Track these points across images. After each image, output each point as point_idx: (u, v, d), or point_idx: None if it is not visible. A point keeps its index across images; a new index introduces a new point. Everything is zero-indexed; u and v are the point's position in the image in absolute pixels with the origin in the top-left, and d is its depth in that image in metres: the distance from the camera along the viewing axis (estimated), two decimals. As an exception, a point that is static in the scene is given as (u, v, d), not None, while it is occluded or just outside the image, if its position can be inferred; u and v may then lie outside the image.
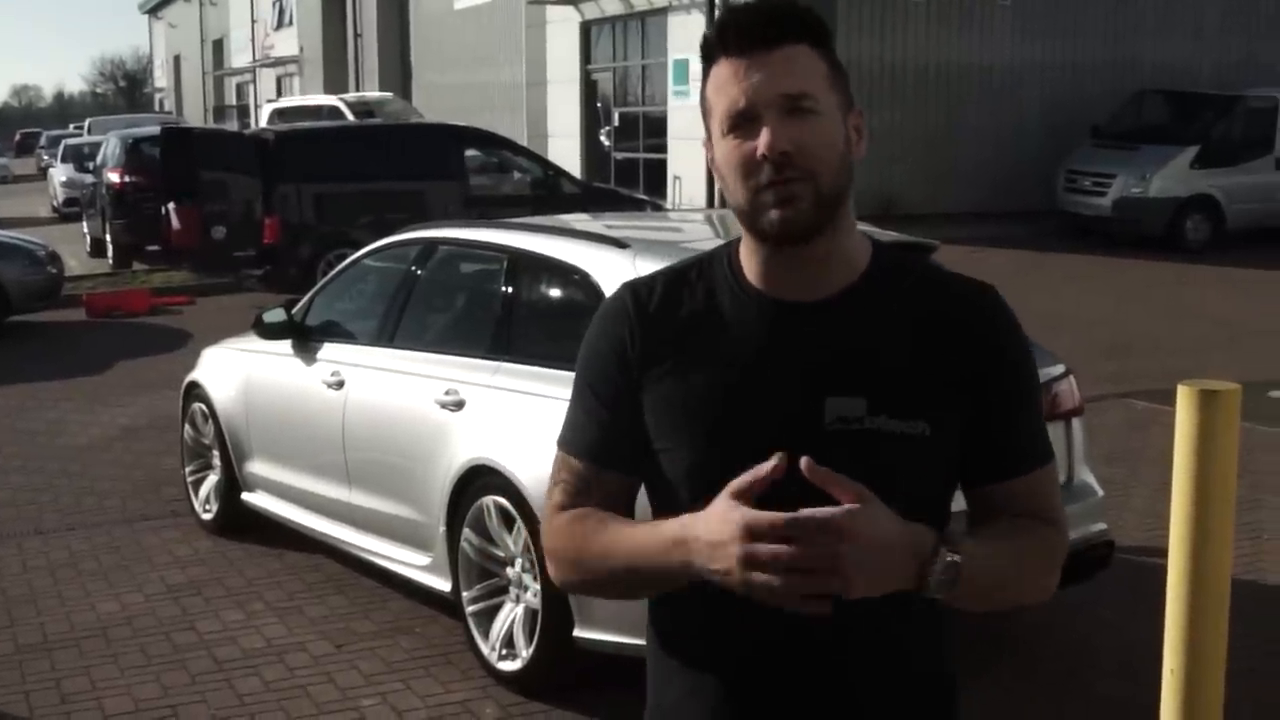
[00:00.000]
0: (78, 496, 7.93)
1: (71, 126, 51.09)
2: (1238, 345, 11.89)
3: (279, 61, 45.32)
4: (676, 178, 22.18)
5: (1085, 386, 5.57)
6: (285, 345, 6.54)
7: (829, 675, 1.80)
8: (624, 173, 23.99)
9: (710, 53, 1.81)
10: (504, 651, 5.05)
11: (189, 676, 5.27)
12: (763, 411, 1.79)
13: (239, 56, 51.98)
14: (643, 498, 1.93)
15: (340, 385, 6.04)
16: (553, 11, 26.27)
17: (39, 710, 5.02)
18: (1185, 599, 2.87)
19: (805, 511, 1.58)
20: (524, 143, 19.52)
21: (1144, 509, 7.02)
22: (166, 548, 6.90)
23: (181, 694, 5.11)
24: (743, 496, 1.64)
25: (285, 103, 29.56)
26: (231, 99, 54.61)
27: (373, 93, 32.10)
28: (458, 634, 5.42)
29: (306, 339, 6.47)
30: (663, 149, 22.92)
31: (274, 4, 46.45)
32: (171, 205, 15.24)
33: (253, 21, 48.02)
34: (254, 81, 49.94)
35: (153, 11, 72.36)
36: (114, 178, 18.96)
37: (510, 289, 5.58)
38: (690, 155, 21.50)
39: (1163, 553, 6.21)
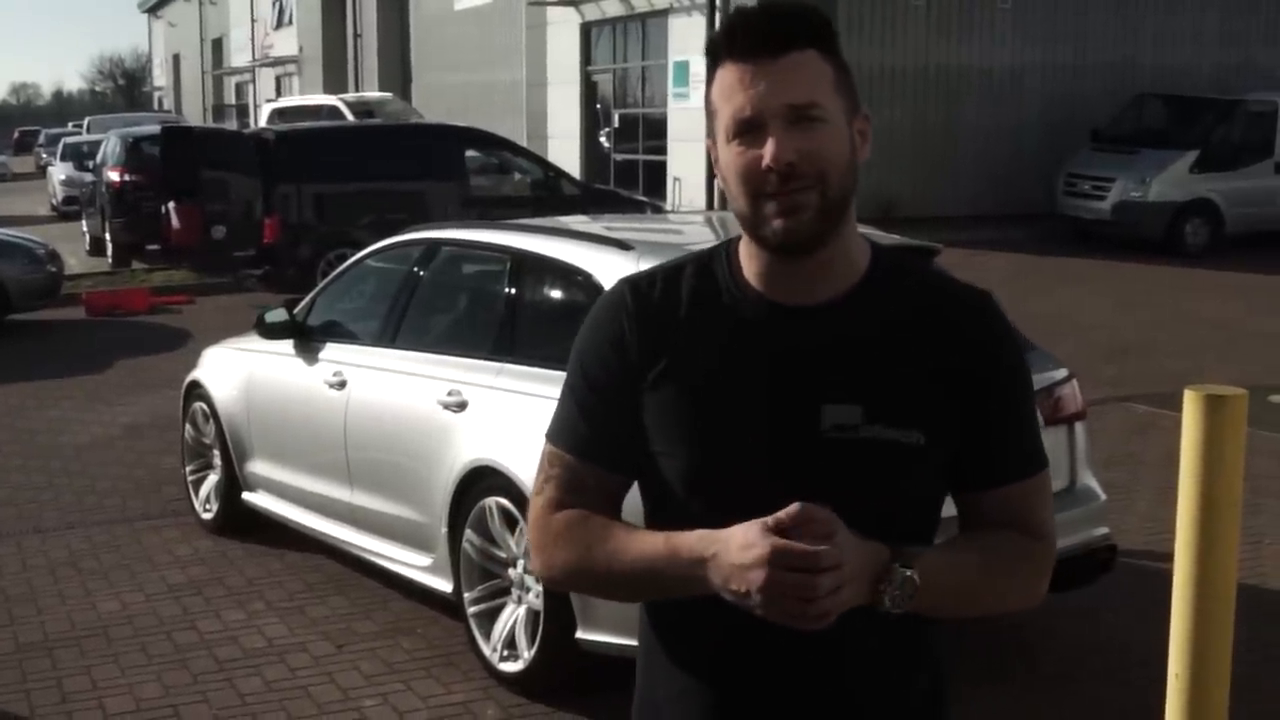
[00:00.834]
0: (78, 495, 7.93)
1: (70, 125, 51.07)
2: (1237, 350, 11.90)
3: (278, 61, 45.32)
4: (676, 179, 22.19)
5: (1085, 390, 5.58)
6: (287, 345, 6.54)
7: (823, 675, 1.81)
8: (624, 174, 24.00)
9: (716, 54, 1.79)
10: (505, 653, 5.05)
11: (190, 676, 5.27)
12: (759, 420, 1.79)
13: (238, 56, 51.99)
14: (632, 497, 1.93)
15: (342, 385, 6.04)
16: (553, 13, 26.28)
17: (40, 709, 5.01)
18: (1190, 603, 2.87)
19: (821, 547, 1.63)
20: (524, 144, 19.52)
21: (1145, 513, 7.03)
22: (167, 547, 6.90)
23: (183, 693, 5.11)
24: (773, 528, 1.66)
25: (285, 102, 29.56)
26: (231, 98, 54.62)
27: (372, 93, 32.10)
28: (459, 635, 5.42)
29: (308, 339, 6.47)
30: (663, 150, 22.93)
31: (274, 3, 46.44)
32: (172, 204, 15.25)
33: (252, 21, 48.02)
34: (253, 81, 49.94)
35: (152, 10, 72.35)
36: (114, 176, 18.96)
37: (513, 290, 5.58)
38: (690, 157, 21.51)
39: (1165, 557, 6.21)
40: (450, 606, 5.53)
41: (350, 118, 23.66)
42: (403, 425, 5.66)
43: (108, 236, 19.15)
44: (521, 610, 5.02)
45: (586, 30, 25.70)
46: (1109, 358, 11.29)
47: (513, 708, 4.92)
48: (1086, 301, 14.57)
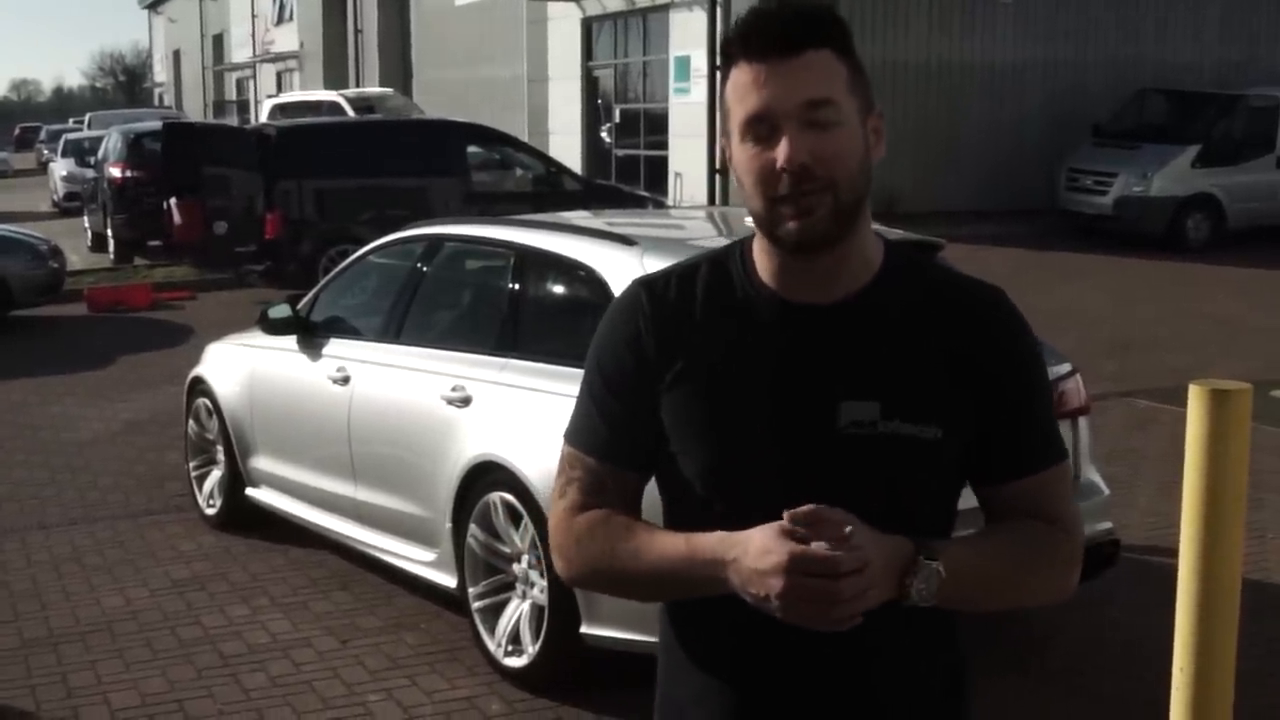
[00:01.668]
0: (81, 491, 7.94)
1: (71, 121, 51.04)
2: (1239, 344, 11.90)
3: (279, 57, 45.32)
4: (677, 174, 22.18)
5: (1087, 385, 5.58)
6: (290, 341, 6.55)
7: (846, 671, 1.81)
8: (625, 169, 23.99)
9: (730, 53, 1.79)
10: (510, 648, 5.06)
11: (195, 671, 5.28)
12: (777, 417, 1.80)
13: (239, 52, 51.98)
14: (651, 493, 1.93)
15: (346, 381, 6.05)
16: (554, 8, 26.26)
17: (45, 705, 5.02)
18: (1195, 598, 2.87)
19: (841, 553, 1.63)
20: (524, 139, 19.51)
21: (1147, 508, 7.04)
22: (170, 543, 6.91)
23: (188, 689, 5.12)
24: (792, 530, 1.66)
25: (286, 98, 29.56)
26: (231, 94, 54.61)
27: (373, 88, 32.12)
28: (462, 630, 5.43)
29: (312, 335, 6.47)
30: (664, 145, 22.92)
31: (274, -1, 46.46)
32: (173, 200, 15.26)
33: (253, 16, 48.01)
34: (254, 77, 49.94)
35: (153, 6, 72.35)
36: (115, 172, 18.97)
37: (517, 286, 5.58)
38: (691, 152, 21.50)
39: (1167, 551, 6.23)
40: (453, 602, 5.53)
41: (351, 113, 23.68)
42: (407, 420, 5.67)
43: (109, 232, 19.16)
44: (526, 605, 5.03)
45: (587, 25, 25.69)
46: (1110, 353, 11.29)
47: (517, 702, 4.93)
48: (1088, 296, 14.57)
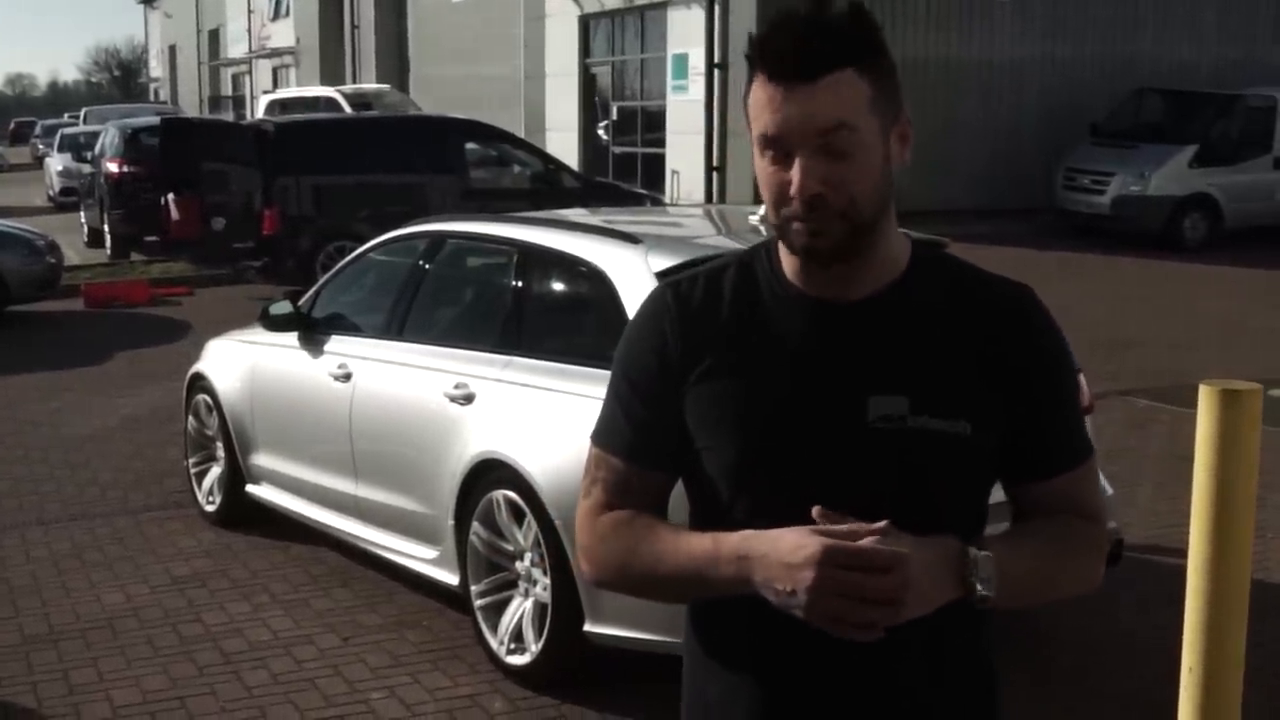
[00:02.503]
0: (80, 487, 7.92)
1: (66, 116, 50.96)
2: (1236, 344, 11.91)
3: (275, 52, 45.26)
4: (675, 172, 22.16)
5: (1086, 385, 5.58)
6: (291, 338, 6.54)
7: (873, 672, 1.81)
8: (622, 167, 23.98)
9: (751, 60, 1.77)
10: (513, 646, 5.05)
11: (196, 668, 5.27)
12: (805, 411, 1.80)
13: (235, 47, 51.90)
14: (678, 494, 1.94)
15: (348, 378, 6.04)
16: (551, 5, 26.24)
17: (47, 702, 5.01)
18: (1205, 598, 2.88)
19: (877, 546, 1.63)
20: (522, 136, 19.49)
21: (1147, 507, 7.05)
22: (170, 539, 6.90)
23: (190, 686, 5.11)
24: (825, 529, 1.66)
25: (283, 94, 29.53)
26: (227, 89, 54.55)
27: (370, 85, 32.10)
28: (465, 628, 5.42)
29: (313, 331, 6.47)
30: (661, 143, 22.90)
31: (270, -6, 46.39)
32: (171, 196, 15.22)
33: (249, 12, 47.95)
34: (250, 72, 49.88)
35: (148, 1, 72.20)
36: (113, 168, 18.91)
37: (521, 283, 5.57)
38: (688, 150, 21.50)
39: (1167, 550, 6.24)
40: (455, 599, 5.53)
41: (348, 109, 23.66)
42: (409, 418, 5.66)
43: (106, 228, 19.10)
44: (529, 603, 5.02)
45: (585, 22, 25.67)
46: (1109, 352, 11.29)
47: (520, 700, 4.92)
48: (1086, 296, 14.56)
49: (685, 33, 21.74)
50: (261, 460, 6.77)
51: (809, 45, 1.71)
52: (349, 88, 29.69)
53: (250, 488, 6.89)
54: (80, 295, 15.28)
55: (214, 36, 56.68)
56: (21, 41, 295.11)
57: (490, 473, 5.12)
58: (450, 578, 5.41)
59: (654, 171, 22.87)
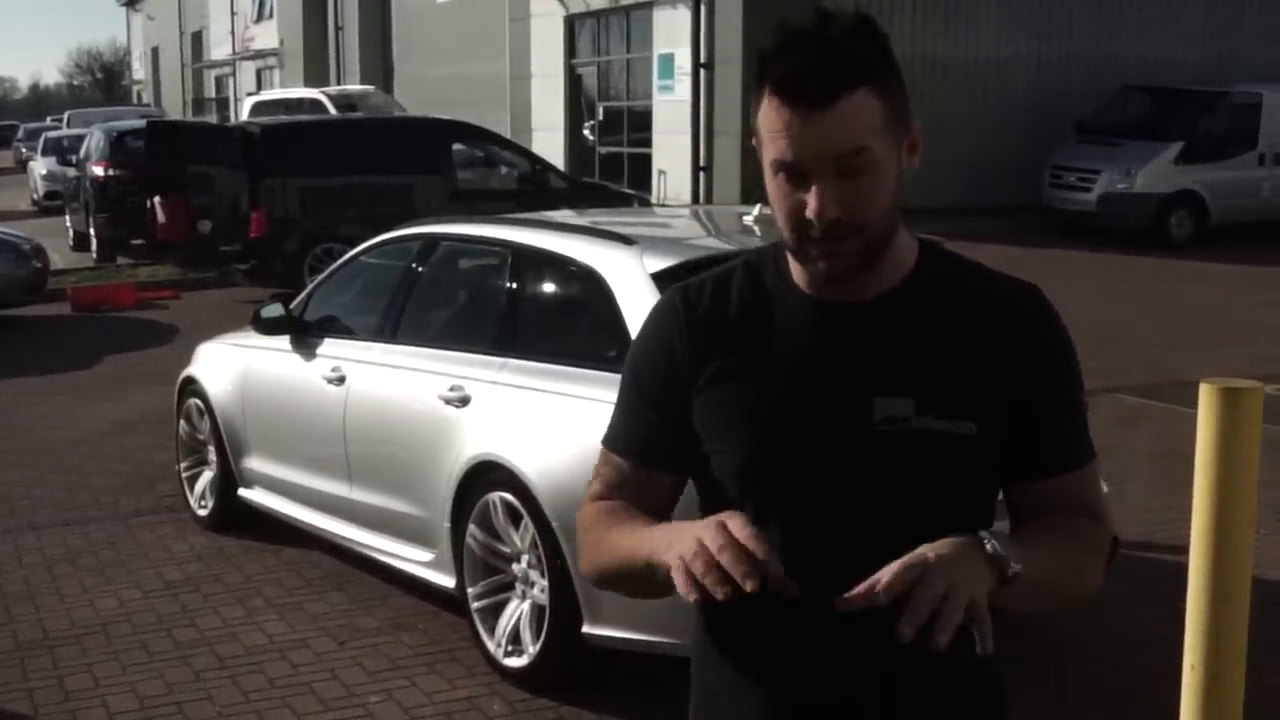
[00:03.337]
0: (71, 492, 7.90)
1: (49, 119, 50.76)
2: (1223, 340, 11.96)
3: (259, 54, 45.17)
4: (661, 172, 22.17)
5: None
6: (283, 341, 6.52)
7: (877, 668, 1.81)
8: (608, 167, 23.97)
9: (760, 78, 1.74)
10: (510, 648, 5.05)
11: (192, 673, 5.26)
12: (811, 413, 1.81)
13: (218, 49, 51.77)
14: (690, 495, 1.95)
15: (341, 381, 6.03)
16: (536, 5, 26.22)
17: (43, 708, 5.00)
18: (1207, 596, 2.89)
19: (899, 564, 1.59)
20: (508, 137, 19.48)
21: (1138, 504, 7.06)
22: (162, 544, 6.88)
23: (186, 691, 5.10)
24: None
25: (267, 95, 29.46)
26: (211, 92, 54.41)
27: (355, 86, 32.04)
28: (461, 630, 5.42)
29: (305, 334, 6.45)
30: (647, 144, 22.90)
31: (254, -4, 46.29)
32: (157, 199, 15.19)
33: (232, 14, 47.85)
34: (233, 74, 49.75)
35: (131, 3, 72.02)
36: (98, 171, 18.84)
37: (515, 285, 5.57)
38: (675, 150, 21.50)
39: (1161, 547, 6.24)
40: (450, 602, 5.52)
41: (333, 111, 23.62)
42: (404, 420, 5.66)
43: (92, 232, 19.04)
44: (526, 605, 5.02)
45: (570, 23, 25.65)
46: (1096, 349, 11.30)
47: (518, 702, 4.92)
48: (1072, 293, 14.52)
49: (671, 33, 21.74)
50: (254, 464, 6.76)
51: (822, 68, 1.68)
52: (333, 89, 29.65)
53: (242, 492, 6.87)
54: (66, 299, 15.22)
55: (197, 39, 56.52)
56: (2, 44, 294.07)
57: (486, 475, 5.11)
58: (446, 580, 5.40)
59: (640, 172, 22.88)
